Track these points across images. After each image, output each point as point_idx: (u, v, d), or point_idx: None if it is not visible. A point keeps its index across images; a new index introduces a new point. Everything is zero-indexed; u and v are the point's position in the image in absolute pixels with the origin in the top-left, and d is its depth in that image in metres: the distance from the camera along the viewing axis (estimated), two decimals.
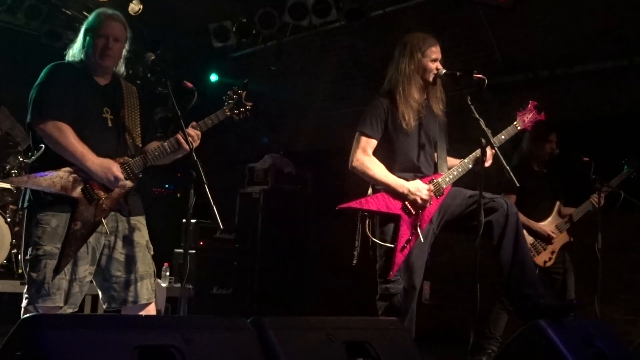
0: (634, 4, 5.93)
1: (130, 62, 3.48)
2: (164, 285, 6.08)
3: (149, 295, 3.27)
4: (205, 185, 2.95)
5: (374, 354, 2.61)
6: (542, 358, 3.09)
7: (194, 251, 6.78)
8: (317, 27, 7.20)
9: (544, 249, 5.00)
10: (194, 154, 3.05)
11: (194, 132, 3.26)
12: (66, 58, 3.36)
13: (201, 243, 6.94)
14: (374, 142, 3.80)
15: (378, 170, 3.74)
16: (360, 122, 3.83)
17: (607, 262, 4.93)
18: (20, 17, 6.87)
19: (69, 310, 3.08)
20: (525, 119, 4.03)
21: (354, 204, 3.70)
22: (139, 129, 3.38)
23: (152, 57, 3.30)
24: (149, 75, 7.53)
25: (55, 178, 3.06)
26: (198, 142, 3.27)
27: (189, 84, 3.27)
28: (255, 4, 7.16)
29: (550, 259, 5.03)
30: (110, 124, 3.27)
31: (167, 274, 6.30)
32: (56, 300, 3.04)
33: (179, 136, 3.23)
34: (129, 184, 3.21)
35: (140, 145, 3.37)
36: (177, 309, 5.50)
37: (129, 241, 3.24)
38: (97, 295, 3.36)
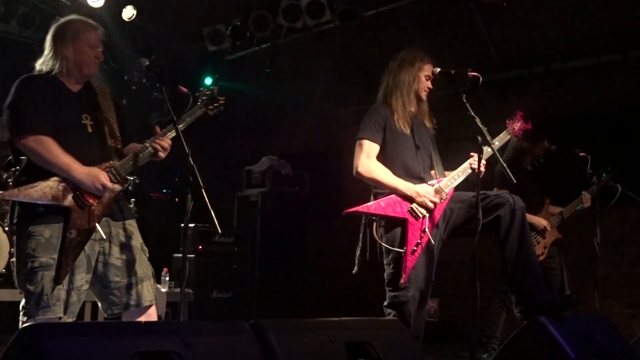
0: None
1: (126, 67, 3.47)
2: (163, 290, 6.06)
3: (151, 296, 3.26)
4: (203, 190, 2.94)
5: (375, 354, 2.60)
6: (544, 354, 3.09)
7: (193, 255, 6.77)
8: (311, 29, 7.20)
9: (537, 243, 5.01)
10: (190, 158, 3.03)
11: (165, 143, 3.21)
12: (37, 68, 3.28)
13: (200, 247, 6.92)
14: (376, 147, 3.81)
15: (384, 174, 3.74)
16: (360, 129, 3.85)
17: (606, 256, 4.93)
18: (14, 26, 6.86)
19: (68, 320, 3.06)
20: (515, 127, 4.10)
21: (360, 209, 3.68)
22: (117, 130, 3.35)
23: (147, 63, 3.29)
24: (143, 80, 7.52)
25: (46, 188, 3.03)
26: (168, 150, 3.23)
27: (184, 89, 3.26)
28: (249, 6, 7.16)
29: (542, 253, 5.05)
30: (90, 130, 3.24)
31: (167, 279, 6.28)
32: (56, 311, 3.02)
33: (151, 145, 3.19)
34: (117, 187, 3.19)
35: (121, 146, 3.34)
36: (177, 314, 5.50)
37: (124, 245, 3.23)
38: (98, 302, 3.35)
